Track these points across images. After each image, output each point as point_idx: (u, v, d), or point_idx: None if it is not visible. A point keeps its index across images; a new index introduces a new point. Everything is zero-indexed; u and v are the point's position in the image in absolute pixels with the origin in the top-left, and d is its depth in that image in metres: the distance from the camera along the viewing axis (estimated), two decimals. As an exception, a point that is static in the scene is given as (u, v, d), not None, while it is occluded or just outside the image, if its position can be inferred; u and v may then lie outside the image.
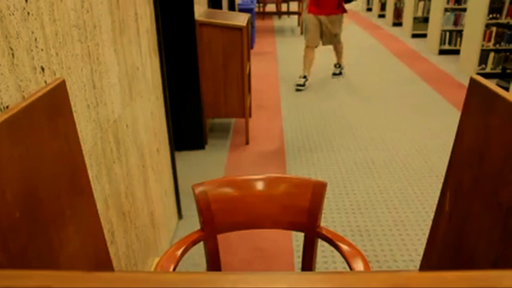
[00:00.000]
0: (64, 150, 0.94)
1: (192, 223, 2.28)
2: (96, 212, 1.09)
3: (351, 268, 1.21)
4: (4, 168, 0.71)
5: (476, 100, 1.08)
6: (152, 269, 1.84)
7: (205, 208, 1.37)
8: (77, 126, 1.02)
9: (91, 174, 1.16)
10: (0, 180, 0.70)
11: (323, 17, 4.72)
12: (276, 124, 3.91)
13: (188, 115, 3.25)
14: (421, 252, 1.28)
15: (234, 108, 3.35)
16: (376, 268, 1.98)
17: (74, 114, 1.02)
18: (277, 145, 3.47)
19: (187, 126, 3.28)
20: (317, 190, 1.36)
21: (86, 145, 1.16)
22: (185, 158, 3.22)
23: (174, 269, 1.22)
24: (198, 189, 1.37)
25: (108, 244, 1.23)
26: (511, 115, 0.91)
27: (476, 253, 1.04)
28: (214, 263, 1.43)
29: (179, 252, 1.28)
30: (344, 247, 1.29)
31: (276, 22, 9.74)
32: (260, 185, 1.42)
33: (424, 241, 1.26)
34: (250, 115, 3.58)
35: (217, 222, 1.38)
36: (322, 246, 2.04)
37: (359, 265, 1.19)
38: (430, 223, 1.35)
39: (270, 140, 3.55)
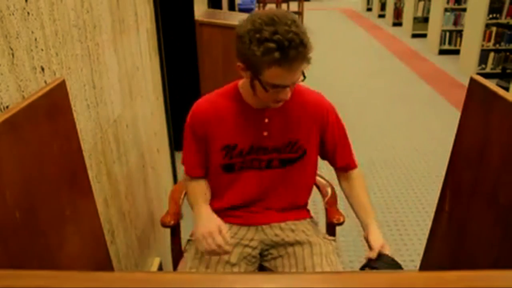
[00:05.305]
0: (64, 150, 0.94)
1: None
2: (96, 212, 1.09)
3: (323, 196, 1.57)
4: (4, 168, 0.71)
5: (476, 100, 1.07)
6: (152, 267, 1.84)
7: None
8: (77, 126, 1.02)
9: (91, 174, 1.16)
10: (0, 180, 0.70)
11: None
12: (276, 124, 3.90)
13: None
14: (421, 252, 1.28)
15: (234, 108, 3.34)
16: (376, 268, 1.98)
17: (74, 114, 1.02)
18: (277, 145, 3.46)
19: (187, 126, 3.27)
20: None
21: (86, 145, 1.16)
22: (185, 158, 3.21)
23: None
24: None
25: (108, 244, 1.23)
26: (510, 115, 0.91)
27: (476, 253, 1.04)
28: None
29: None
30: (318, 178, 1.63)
31: (276, 22, 9.71)
32: None
33: (424, 241, 1.26)
34: (250, 115, 3.57)
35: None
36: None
37: (329, 191, 1.60)
38: (430, 223, 1.35)
39: (270, 140, 3.54)
